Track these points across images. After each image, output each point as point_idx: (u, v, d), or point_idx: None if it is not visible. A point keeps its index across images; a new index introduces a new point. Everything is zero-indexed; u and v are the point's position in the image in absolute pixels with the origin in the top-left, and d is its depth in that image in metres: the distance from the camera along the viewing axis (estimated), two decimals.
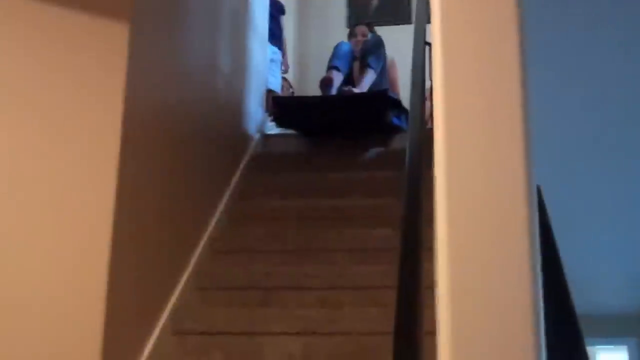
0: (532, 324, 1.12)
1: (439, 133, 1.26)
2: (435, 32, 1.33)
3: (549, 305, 1.16)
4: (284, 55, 4.88)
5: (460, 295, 1.16)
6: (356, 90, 3.90)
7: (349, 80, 4.17)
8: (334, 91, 3.99)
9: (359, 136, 3.76)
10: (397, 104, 3.84)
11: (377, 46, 4.18)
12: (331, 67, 4.06)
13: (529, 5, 1.31)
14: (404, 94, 3.81)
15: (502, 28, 1.28)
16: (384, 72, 4.21)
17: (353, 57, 4.24)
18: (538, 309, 1.13)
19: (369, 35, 4.33)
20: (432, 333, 1.86)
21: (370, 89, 4.00)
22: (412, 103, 1.99)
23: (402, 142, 3.61)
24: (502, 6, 1.29)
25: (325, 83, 3.92)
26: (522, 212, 1.16)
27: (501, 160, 1.21)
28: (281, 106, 4.02)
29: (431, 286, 2.13)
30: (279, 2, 4.82)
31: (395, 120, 3.77)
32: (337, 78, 4.02)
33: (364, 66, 4.07)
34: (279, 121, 4.08)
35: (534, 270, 1.13)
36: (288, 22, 5.44)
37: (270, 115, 4.29)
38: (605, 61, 2.86)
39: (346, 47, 4.24)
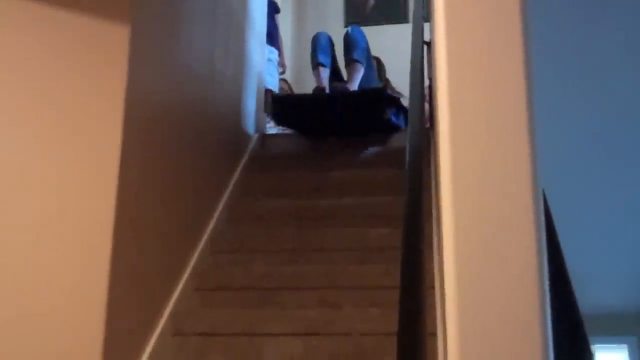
0: (540, 323, 1.12)
1: (444, 133, 1.25)
2: (438, 30, 1.32)
3: (554, 306, 1.16)
4: (280, 54, 4.88)
5: (468, 295, 1.15)
6: (348, 86, 3.90)
7: (335, 69, 4.17)
8: (326, 83, 4.00)
9: (357, 135, 3.75)
10: (394, 101, 3.83)
11: (358, 37, 4.12)
12: (316, 64, 4.05)
13: (531, 2, 1.31)
14: (403, 93, 3.81)
15: (506, 25, 1.27)
16: (370, 63, 4.19)
17: (333, 45, 4.23)
18: (545, 307, 1.13)
19: (349, 29, 4.29)
20: (433, 334, 1.86)
21: (360, 84, 3.99)
22: (411, 102, 1.99)
23: (400, 141, 3.62)
24: (506, 3, 1.28)
25: (320, 90, 3.93)
26: (528, 212, 1.16)
27: (507, 158, 1.20)
28: (279, 104, 4.03)
29: (431, 286, 2.13)
30: (274, 1, 4.82)
31: (394, 119, 3.77)
32: (325, 74, 4.03)
33: (351, 62, 4.06)
34: (278, 119, 4.08)
35: (541, 271, 1.13)
36: (285, 22, 5.43)
37: (268, 114, 4.29)
38: (609, 57, 2.85)
39: (324, 38, 4.18)
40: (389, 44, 4.90)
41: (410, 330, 1.08)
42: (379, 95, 3.77)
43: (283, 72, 5.00)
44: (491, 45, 1.27)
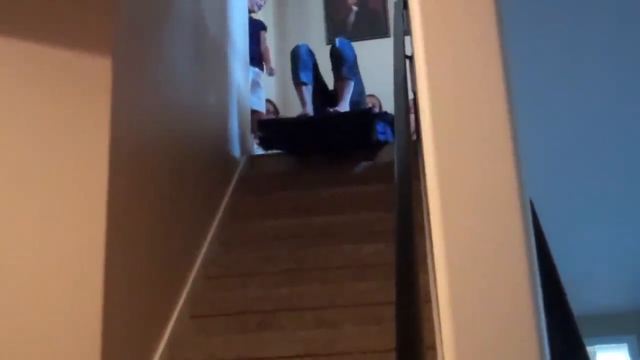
0: (535, 329, 1.12)
1: (428, 147, 1.25)
2: (417, 45, 1.33)
3: (547, 311, 1.16)
4: (267, 61, 4.84)
5: (461, 306, 1.14)
6: (339, 108, 3.86)
7: (318, 80, 4.10)
8: (309, 106, 3.92)
9: (345, 152, 3.74)
10: (381, 117, 3.82)
11: (345, 50, 4.02)
12: (298, 83, 3.96)
13: (514, 7, 1.32)
14: (388, 106, 3.81)
15: (483, 35, 1.28)
16: (358, 76, 4.11)
17: (313, 57, 4.11)
18: (539, 313, 1.12)
19: (336, 41, 4.17)
20: (432, 348, 1.85)
21: (350, 99, 3.96)
22: (397, 116, 1.99)
23: (388, 155, 3.62)
24: (482, 14, 1.29)
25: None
26: (516, 219, 1.16)
27: (492, 167, 1.21)
28: (266, 129, 3.99)
29: (426, 299, 2.12)
30: (258, 20, 4.82)
31: (381, 136, 3.76)
32: (308, 93, 3.95)
33: (340, 79, 3.99)
34: (265, 144, 4.04)
35: (533, 277, 1.13)
36: (268, 39, 5.44)
37: (255, 138, 4.28)
38: (590, 60, 2.89)
39: (304, 51, 4.05)
40: (371, 58, 4.91)
41: (407, 346, 1.08)
42: (366, 116, 3.74)
43: (271, 75, 5.00)
44: (469, 53, 1.28)
